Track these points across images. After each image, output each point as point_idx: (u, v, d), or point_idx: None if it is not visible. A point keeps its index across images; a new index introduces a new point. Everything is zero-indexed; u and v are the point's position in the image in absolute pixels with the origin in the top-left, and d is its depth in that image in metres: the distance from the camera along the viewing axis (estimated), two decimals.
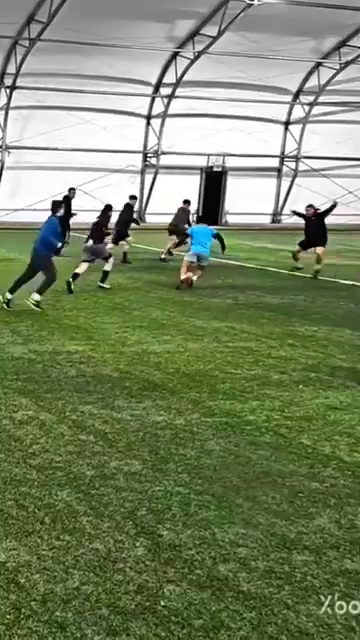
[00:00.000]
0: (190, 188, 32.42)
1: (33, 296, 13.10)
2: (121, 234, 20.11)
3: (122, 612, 4.41)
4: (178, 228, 21.00)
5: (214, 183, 34.94)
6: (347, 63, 32.71)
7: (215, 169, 34.92)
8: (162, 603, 4.50)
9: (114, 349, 10.69)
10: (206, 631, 4.27)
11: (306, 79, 34.13)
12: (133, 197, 22.21)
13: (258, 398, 8.55)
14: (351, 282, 18.06)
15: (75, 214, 22.41)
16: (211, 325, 12.53)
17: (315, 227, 19.45)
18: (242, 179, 34.81)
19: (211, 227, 17.21)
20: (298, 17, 28.50)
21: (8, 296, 13.32)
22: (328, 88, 33.99)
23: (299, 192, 35.02)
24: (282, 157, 36.05)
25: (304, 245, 19.76)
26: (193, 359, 10.23)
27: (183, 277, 16.16)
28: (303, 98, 34.80)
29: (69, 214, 21.35)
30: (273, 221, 36.01)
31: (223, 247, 16.69)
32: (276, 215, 36.16)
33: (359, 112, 35.61)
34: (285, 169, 36.16)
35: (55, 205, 13.86)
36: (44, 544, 5.16)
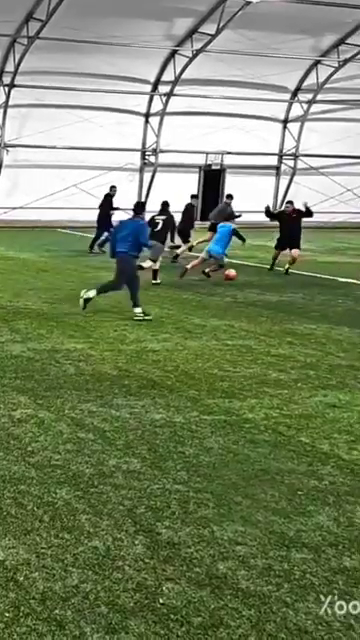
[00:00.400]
0: (189, 186, 32.35)
1: (135, 311, 12.71)
2: (186, 232, 20.89)
3: (121, 610, 4.41)
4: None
5: (213, 181, 34.88)
6: (346, 61, 32.69)
7: (214, 167, 34.89)
8: (161, 601, 4.50)
9: (113, 347, 10.69)
10: (205, 629, 4.27)
11: (305, 77, 34.09)
12: (195, 196, 22.42)
13: (257, 396, 8.56)
14: (350, 280, 18.06)
15: (118, 208, 22.52)
16: (210, 323, 12.53)
17: (292, 227, 19.11)
18: (241, 177, 34.74)
19: (229, 223, 17.51)
20: (296, 15, 28.48)
21: (90, 294, 12.88)
22: (327, 86, 33.95)
23: (298, 190, 34.98)
24: (281, 155, 36.02)
25: (280, 247, 19.50)
26: (192, 357, 10.23)
27: (211, 270, 17.05)
28: (302, 96, 34.75)
29: (111, 210, 22.23)
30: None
31: (242, 240, 17.34)
32: None
33: (358, 110, 35.59)
34: (284, 167, 36.11)
35: (140, 206, 13.75)
36: (43, 542, 5.16)
